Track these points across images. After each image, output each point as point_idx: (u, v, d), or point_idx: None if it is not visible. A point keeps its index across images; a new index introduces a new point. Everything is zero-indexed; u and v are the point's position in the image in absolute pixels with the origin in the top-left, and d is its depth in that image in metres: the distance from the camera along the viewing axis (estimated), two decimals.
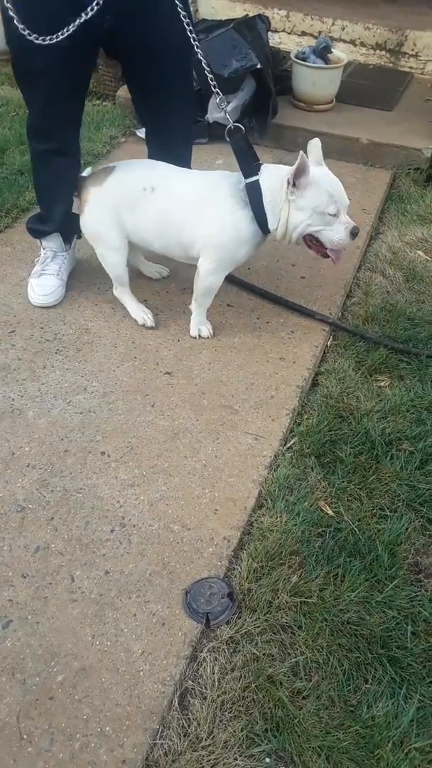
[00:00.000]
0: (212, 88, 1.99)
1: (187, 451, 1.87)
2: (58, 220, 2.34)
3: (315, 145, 1.99)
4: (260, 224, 2.01)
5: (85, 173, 2.21)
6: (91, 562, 1.58)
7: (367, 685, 1.42)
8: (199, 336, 2.24)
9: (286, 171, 1.94)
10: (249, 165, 1.98)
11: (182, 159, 2.28)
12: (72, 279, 2.44)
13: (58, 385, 2.03)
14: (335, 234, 2.00)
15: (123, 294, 2.28)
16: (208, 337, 2.24)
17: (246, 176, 1.98)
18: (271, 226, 2.01)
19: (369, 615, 1.51)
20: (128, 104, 3.35)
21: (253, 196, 1.97)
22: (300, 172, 1.89)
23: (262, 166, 2.00)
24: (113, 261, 2.17)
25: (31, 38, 1.78)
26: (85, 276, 2.48)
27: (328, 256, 2.06)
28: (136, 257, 2.38)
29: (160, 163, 2.13)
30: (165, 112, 2.18)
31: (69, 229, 2.38)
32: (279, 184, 1.94)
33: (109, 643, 1.44)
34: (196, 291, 2.18)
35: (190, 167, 2.27)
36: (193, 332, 2.24)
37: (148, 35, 1.92)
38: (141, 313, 2.27)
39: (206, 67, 1.97)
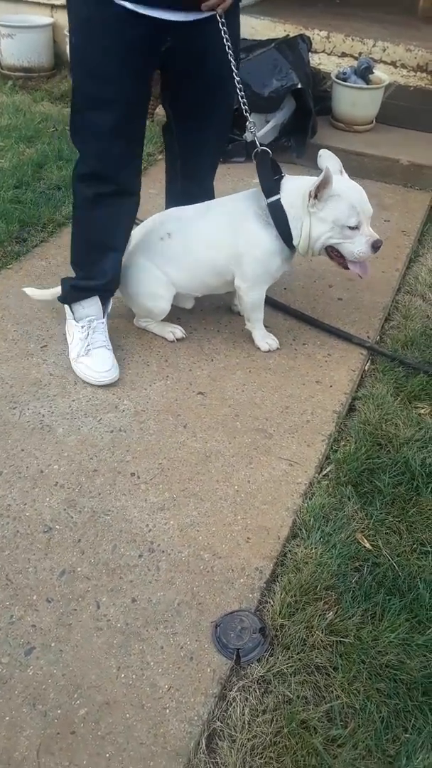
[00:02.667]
0: (244, 112, 1.96)
1: (219, 475, 1.80)
2: (112, 272, 2.07)
3: (329, 155, 2.00)
4: (285, 240, 2.01)
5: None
6: (118, 588, 1.52)
7: (407, 735, 1.33)
8: (270, 350, 2.23)
9: (307, 184, 1.93)
10: (270, 184, 1.96)
11: (208, 188, 2.26)
12: None
13: (88, 402, 1.99)
14: (356, 247, 1.98)
15: (148, 323, 2.26)
16: (278, 348, 2.23)
17: (268, 196, 1.96)
18: (294, 240, 2.00)
19: (409, 658, 1.42)
20: None
21: (277, 216, 1.97)
22: (324, 185, 1.88)
23: (282, 182, 1.99)
24: (162, 309, 2.17)
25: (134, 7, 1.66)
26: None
27: (348, 268, 2.04)
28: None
29: (174, 209, 2.16)
30: (201, 138, 2.11)
31: (113, 286, 2.14)
32: (300, 200, 1.95)
33: (134, 676, 1.37)
34: (244, 311, 2.21)
35: (213, 197, 2.26)
36: (264, 347, 2.23)
37: (204, 59, 1.86)
38: (167, 330, 2.24)
39: (239, 92, 1.92)
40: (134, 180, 2.02)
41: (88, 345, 2.06)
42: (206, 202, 2.17)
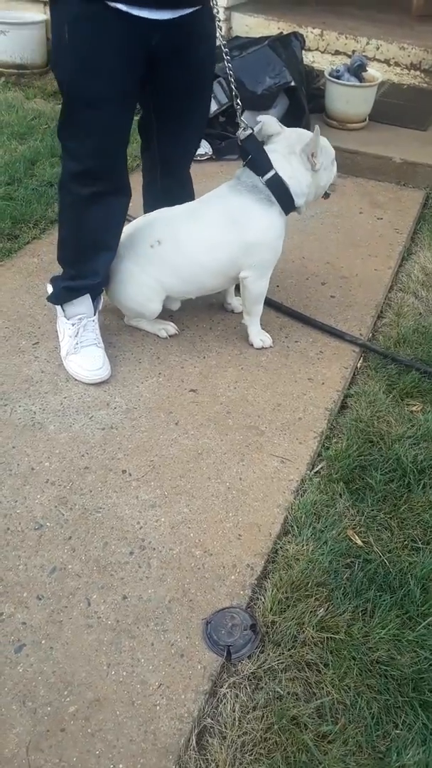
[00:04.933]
0: (236, 107, 2.00)
1: (210, 472, 1.80)
2: (104, 271, 2.07)
3: (269, 118, 2.07)
4: (286, 210, 2.06)
5: None
6: (109, 585, 1.52)
7: (397, 731, 1.33)
8: (263, 347, 2.23)
9: (298, 150, 2.01)
10: (263, 161, 1.99)
11: (186, 183, 2.26)
12: None
13: (80, 399, 1.98)
14: (334, 170, 2.17)
15: (139, 322, 2.26)
16: (271, 346, 2.23)
17: (263, 173, 1.99)
18: (300, 203, 2.08)
19: (400, 654, 1.43)
20: None
21: (278, 189, 2.01)
22: (316, 144, 2.00)
23: (270, 158, 2.01)
24: (154, 311, 2.18)
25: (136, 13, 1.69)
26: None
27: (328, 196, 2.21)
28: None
29: (159, 212, 2.13)
30: (181, 132, 2.10)
31: (103, 284, 2.14)
32: (298, 167, 2.02)
33: (125, 673, 1.37)
34: (247, 304, 2.19)
35: (192, 189, 2.27)
36: (257, 344, 2.23)
37: (187, 54, 1.87)
38: (159, 327, 2.24)
39: (233, 87, 1.99)
40: (126, 177, 2.01)
41: (77, 343, 2.05)
42: (190, 204, 2.15)
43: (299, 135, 2.05)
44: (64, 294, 2.09)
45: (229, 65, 1.99)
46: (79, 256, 2.06)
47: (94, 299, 2.11)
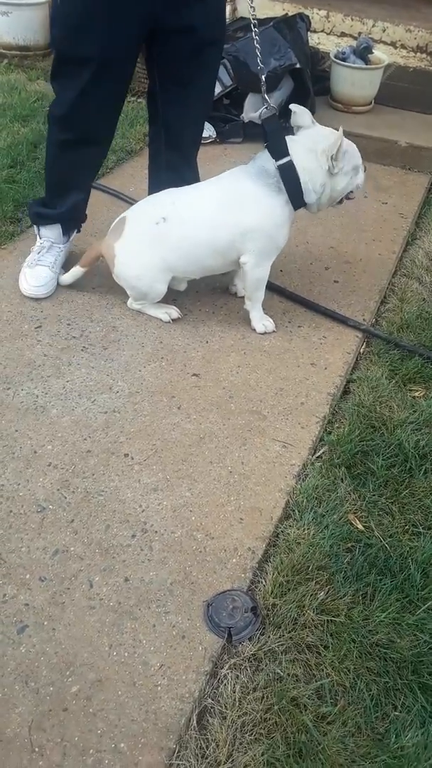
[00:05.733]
0: (259, 72, 2.06)
1: (212, 456, 1.80)
2: (69, 208, 2.28)
3: (303, 110, 2.04)
4: (294, 202, 2.03)
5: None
6: (111, 568, 1.53)
7: (396, 713, 1.34)
8: (265, 332, 2.22)
9: (319, 149, 1.97)
10: (280, 145, 1.97)
11: (191, 161, 2.28)
12: (99, 276, 2.40)
13: (83, 383, 1.98)
14: (359, 178, 2.13)
15: (143, 306, 2.25)
16: (273, 331, 2.23)
17: (278, 157, 1.96)
18: (310, 200, 2.04)
19: (399, 638, 1.43)
20: None
21: (288, 177, 1.97)
22: (340, 146, 1.95)
23: (289, 144, 1.98)
24: (159, 292, 2.17)
25: None
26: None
27: (350, 198, 2.19)
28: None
29: (166, 192, 2.12)
30: (186, 104, 2.12)
31: (74, 220, 2.35)
32: (315, 164, 1.99)
33: (126, 654, 1.38)
34: (247, 289, 2.19)
35: (197, 171, 2.30)
36: (260, 329, 2.22)
37: (190, 26, 1.89)
38: (162, 311, 2.23)
39: (260, 62, 2.06)
40: (104, 131, 2.17)
41: (35, 260, 2.28)
42: (198, 184, 2.15)
43: (327, 134, 2.00)
44: (35, 217, 2.33)
45: (257, 37, 2.04)
46: (51, 189, 2.28)
47: (66, 231, 2.33)
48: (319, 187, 2.01)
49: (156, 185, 2.29)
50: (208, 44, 2.02)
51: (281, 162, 1.96)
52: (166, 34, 1.91)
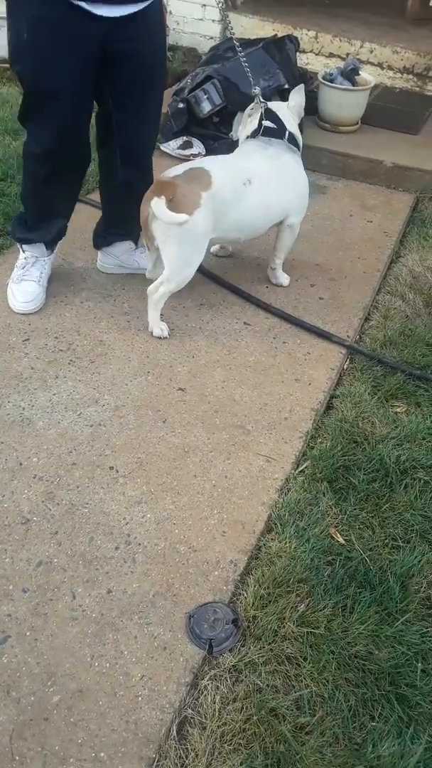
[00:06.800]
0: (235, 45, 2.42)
1: (196, 470, 1.83)
2: (55, 233, 2.32)
3: (297, 89, 2.47)
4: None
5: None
6: (94, 579, 1.54)
7: (373, 723, 1.36)
8: (285, 285, 2.56)
9: (290, 111, 2.43)
10: (279, 125, 2.33)
11: (148, 174, 2.32)
12: (88, 290, 2.43)
13: (69, 396, 2.01)
14: None
15: (164, 296, 2.23)
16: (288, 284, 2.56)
17: (281, 135, 2.32)
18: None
19: (378, 650, 1.46)
20: None
21: (296, 143, 2.38)
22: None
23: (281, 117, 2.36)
24: (198, 261, 2.22)
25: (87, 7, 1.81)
26: (100, 287, 2.46)
27: None
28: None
29: (233, 156, 2.36)
30: (141, 119, 2.17)
31: (59, 237, 2.37)
32: (292, 121, 2.40)
33: (108, 665, 1.39)
34: (284, 248, 2.49)
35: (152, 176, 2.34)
36: (285, 282, 2.57)
37: (139, 46, 1.97)
38: (158, 323, 2.26)
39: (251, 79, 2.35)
40: (84, 159, 2.21)
41: (21, 275, 2.31)
42: (242, 155, 2.34)
43: (290, 99, 2.48)
44: (19, 240, 2.35)
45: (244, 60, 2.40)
46: (33, 217, 2.30)
47: (50, 247, 2.35)
48: (301, 140, 2.42)
49: (111, 204, 2.39)
50: (157, 62, 2.10)
51: (286, 134, 2.32)
52: (118, 56, 1.95)
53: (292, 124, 2.38)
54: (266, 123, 2.32)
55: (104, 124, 2.19)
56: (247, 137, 2.37)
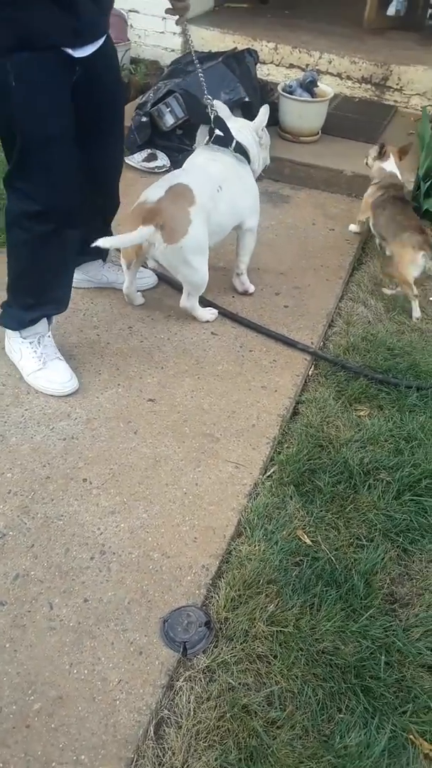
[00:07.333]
0: (206, 100, 2.40)
1: (168, 478, 1.89)
2: (61, 299, 2.12)
3: (220, 104, 2.52)
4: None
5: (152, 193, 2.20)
6: (70, 589, 1.60)
7: (341, 715, 1.44)
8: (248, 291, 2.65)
9: (252, 126, 2.52)
10: (228, 134, 2.41)
11: (115, 195, 2.34)
12: None
13: (41, 410, 2.05)
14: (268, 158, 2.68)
15: (196, 301, 2.41)
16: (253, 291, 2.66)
17: (230, 143, 2.39)
18: (254, 167, 2.52)
19: (344, 645, 1.54)
20: None
21: (243, 152, 2.44)
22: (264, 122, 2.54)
23: (232, 130, 2.42)
24: (206, 267, 2.32)
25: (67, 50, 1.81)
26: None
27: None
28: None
29: (198, 165, 2.39)
30: (115, 146, 2.22)
31: (67, 301, 2.17)
32: (249, 138, 2.48)
33: (86, 671, 1.45)
34: (246, 253, 2.56)
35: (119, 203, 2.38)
36: (250, 288, 2.64)
37: (102, 77, 1.99)
38: (209, 312, 2.47)
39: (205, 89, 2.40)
40: (79, 209, 2.00)
41: (41, 360, 2.10)
42: (197, 162, 2.40)
43: (251, 120, 2.55)
44: (22, 322, 2.09)
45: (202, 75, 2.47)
46: (38, 289, 2.06)
47: (49, 318, 2.14)
48: (256, 157, 2.49)
49: (83, 229, 2.17)
50: (119, 89, 2.16)
51: (234, 143, 2.39)
52: (86, 86, 1.93)
53: (245, 136, 2.46)
54: (217, 131, 2.41)
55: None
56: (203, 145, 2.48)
